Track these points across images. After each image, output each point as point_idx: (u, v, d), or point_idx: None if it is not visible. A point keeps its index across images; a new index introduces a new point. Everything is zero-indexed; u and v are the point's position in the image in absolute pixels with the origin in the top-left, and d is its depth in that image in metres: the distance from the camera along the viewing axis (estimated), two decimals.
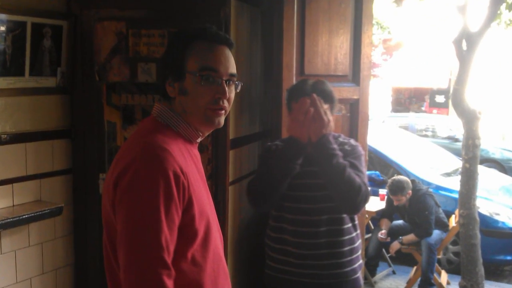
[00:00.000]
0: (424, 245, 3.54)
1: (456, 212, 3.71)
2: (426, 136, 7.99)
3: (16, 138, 1.94)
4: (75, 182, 2.14)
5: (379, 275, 3.93)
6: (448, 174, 4.68)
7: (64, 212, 2.05)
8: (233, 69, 1.11)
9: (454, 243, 4.04)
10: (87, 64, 2.07)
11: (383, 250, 3.93)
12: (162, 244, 0.96)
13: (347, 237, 1.75)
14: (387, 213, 3.87)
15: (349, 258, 1.75)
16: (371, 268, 3.83)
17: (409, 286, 3.65)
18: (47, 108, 2.06)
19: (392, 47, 11.86)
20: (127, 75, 2.06)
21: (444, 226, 3.69)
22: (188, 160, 1.07)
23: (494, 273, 4.15)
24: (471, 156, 3.49)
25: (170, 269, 0.97)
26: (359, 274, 1.81)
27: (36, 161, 2.01)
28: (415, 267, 3.74)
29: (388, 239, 3.75)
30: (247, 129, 2.35)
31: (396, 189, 3.64)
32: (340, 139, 1.80)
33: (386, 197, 3.91)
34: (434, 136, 8.11)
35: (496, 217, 4.05)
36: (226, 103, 1.10)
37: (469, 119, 3.50)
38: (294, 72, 2.28)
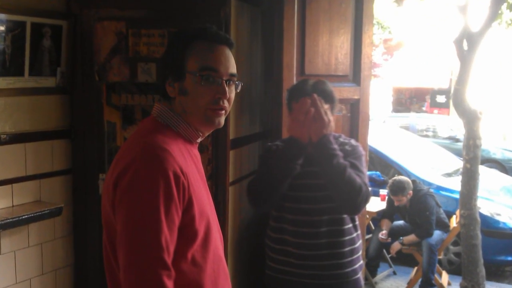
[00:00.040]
0: (425, 245, 3.54)
1: (457, 212, 3.70)
2: (427, 136, 7.98)
3: (16, 138, 1.94)
4: (75, 182, 2.14)
5: (380, 275, 3.93)
6: (449, 175, 4.67)
7: (63, 213, 2.05)
8: (233, 69, 1.11)
9: (455, 243, 4.03)
10: (87, 64, 2.07)
11: (384, 250, 3.93)
12: (162, 244, 0.96)
13: (347, 237, 1.75)
14: (388, 213, 3.86)
15: (349, 259, 1.75)
16: (371, 268, 3.83)
17: (409, 286, 3.64)
18: (46, 108, 2.06)
19: (393, 47, 11.86)
20: (127, 75, 2.06)
21: (445, 227, 3.68)
22: (188, 160, 1.07)
23: (495, 273, 4.14)
24: (472, 156, 3.49)
25: (170, 270, 0.97)
26: (360, 275, 1.81)
27: (35, 161, 2.01)
28: (415, 268, 3.74)
29: (389, 240, 3.74)
30: (247, 129, 2.35)
31: (397, 189, 3.64)
32: (341, 139, 1.80)
33: (386, 197, 3.90)
34: (435, 136, 8.10)
35: (497, 218, 4.04)
36: (226, 103, 1.10)
37: (470, 119, 3.49)
38: (295, 72, 2.28)
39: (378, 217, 3.91)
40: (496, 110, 9.54)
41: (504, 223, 4.03)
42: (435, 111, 11.88)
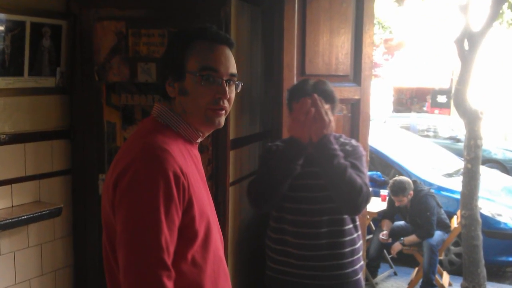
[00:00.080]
0: (426, 246, 3.53)
1: (458, 213, 3.70)
2: (427, 136, 7.97)
3: (15, 138, 1.93)
4: (75, 182, 2.13)
5: (381, 276, 3.92)
6: (450, 175, 4.66)
7: (63, 213, 2.05)
8: (233, 69, 1.11)
9: (456, 244, 4.03)
10: (87, 64, 2.06)
11: (385, 251, 3.92)
12: (162, 245, 0.96)
13: (348, 238, 1.75)
14: (389, 214, 3.85)
15: (350, 259, 1.75)
16: (372, 269, 3.82)
17: (410, 287, 3.64)
18: (46, 108, 2.05)
19: (394, 47, 11.85)
20: (126, 75, 2.06)
21: (446, 227, 3.67)
22: (188, 161, 1.07)
23: (496, 274, 4.13)
24: (473, 157, 3.48)
25: (170, 270, 0.97)
26: (361, 275, 1.80)
27: (35, 162, 2.01)
28: (416, 268, 3.73)
29: (390, 240, 3.73)
30: (248, 129, 2.34)
31: (398, 189, 3.63)
32: (341, 140, 1.79)
33: (387, 198, 3.90)
34: (435, 136, 8.10)
35: (498, 218, 4.03)
36: (226, 103, 1.09)
37: (471, 119, 3.49)
38: (295, 72, 2.27)
39: (379, 217, 3.90)
40: (497, 110, 9.53)
41: (505, 224, 4.02)
42: (436, 111, 11.87)
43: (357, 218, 1.80)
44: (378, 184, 4.30)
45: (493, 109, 8.94)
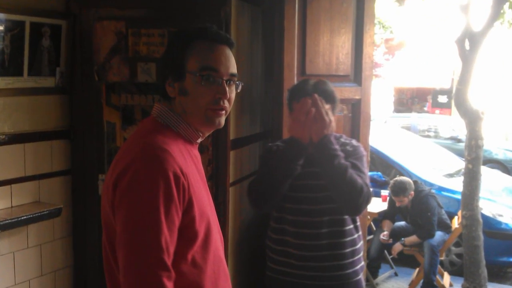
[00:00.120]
0: (427, 246, 3.52)
1: (459, 213, 3.69)
2: (428, 136, 7.96)
3: (15, 138, 1.93)
4: (74, 183, 2.13)
5: (381, 277, 3.91)
6: (450, 175, 4.65)
7: (63, 213, 2.04)
8: (233, 69, 1.10)
9: (457, 244, 4.02)
10: (86, 64, 2.06)
11: (385, 251, 3.91)
12: (162, 245, 0.95)
13: (348, 238, 1.74)
14: (389, 214, 3.85)
15: (350, 260, 1.74)
16: (373, 269, 3.81)
17: None
18: (46, 108, 2.05)
19: (394, 47, 11.84)
20: (126, 75, 2.05)
21: (446, 228, 3.67)
22: (188, 161, 1.06)
23: (497, 275, 4.12)
24: (474, 157, 3.47)
25: (170, 271, 0.96)
26: (361, 276, 1.80)
27: (34, 162, 2.00)
28: (417, 269, 3.72)
29: (390, 241, 3.72)
30: (248, 129, 2.34)
31: (398, 190, 3.62)
32: (342, 140, 1.79)
33: (388, 198, 3.89)
34: (436, 136, 8.08)
35: (499, 219, 4.02)
36: (226, 103, 1.09)
37: (472, 119, 3.48)
38: (295, 72, 2.27)
39: (380, 218, 3.89)
40: (498, 110, 9.52)
41: (506, 224, 4.01)
42: (437, 111, 11.86)
43: (358, 219, 1.80)
44: (379, 185, 4.29)
45: (494, 109, 8.93)
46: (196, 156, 1.14)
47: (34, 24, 1.92)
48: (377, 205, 3.89)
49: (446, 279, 3.68)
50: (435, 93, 12.32)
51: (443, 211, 3.73)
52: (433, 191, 3.77)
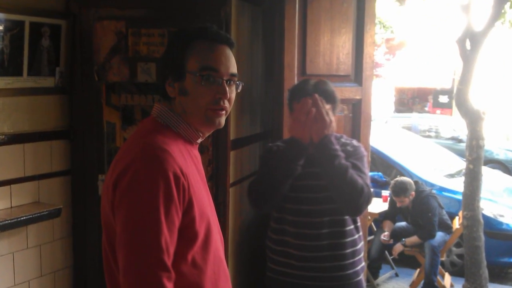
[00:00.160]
0: (427, 247, 3.51)
1: (460, 213, 3.68)
2: (429, 136, 7.95)
3: (14, 138, 1.93)
4: (74, 183, 2.13)
5: (382, 277, 3.90)
6: (451, 175, 4.65)
7: (62, 214, 2.04)
8: (234, 69, 1.10)
9: (458, 245, 4.01)
10: (86, 64, 2.06)
11: (386, 252, 3.90)
12: (162, 246, 0.95)
13: (349, 239, 1.74)
14: (390, 214, 3.84)
15: (351, 260, 1.74)
16: (373, 270, 3.80)
17: None
18: (45, 108, 2.05)
19: (395, 47, 11.83)
20: (126, 75, 2.05)
21: (447, 228, 3.66)
22: (188, 161, 1.06)
23: (498, 275, 4.11)
24: (475, 157, 3.47)
25: (170, 272, 0.96)
26: (362, 277, 1.79)
27: (34, 162, 2.00)
28: (418, 270, 3.72)
29: (391, 241, 3.72)
30: (248, 129, 2.33)
31: (399, 190, 3.61)
32: (342, 140, 1.79)
33: (389, 198, 3.88)
34: (437, 136, 8.07)
35: (500, 219, 4.01)
36: (226, 103, 1.09)
37: (473, 119, 3.47)
38: (296, 72, 2.26)
39: (380, 218, 3.88)
40: (499, 110, 9.50)
41: (507, 225, 4.00)
42: (438, 111, 11.85)
43: (358, 219, 1.80)
44: (380, 185, 4.29)
45: (495, 109, 8.91)
46: (196, 156, 1.14)
47: (33, 24, 1.91)
48: (377, 206, 3.89)
49: (447, 279, 3.67)
50: (436, 93, 12.31)
51: (444, 212, 3.72)
52: (434, 191, 3.77)
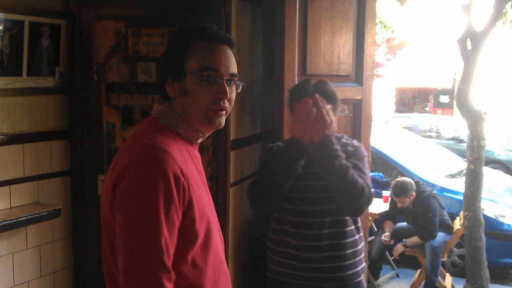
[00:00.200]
0: (428, 247, 3.51)
1: (461, 214, 3.67)
2: (430, 137, 7.95)
3: (14, 139, 1.92)
4: (74, 183, 2.12)
5: (383, 278, 3.90)
6: (452, 176, 4.64)
7: (62, 214, 2.03)
8: (234, 69, 1.10)
9: (459, 245, 4.00)
10: (86, 63, 2.05)
11: (387, 252, 3.90)
12: (162, 246, 0.95)
13: (350, 239, 1.73)
14: (391, 215, 3.83)
15: (352, 261, 1.73)
16: (374, 271, 3.80)
17: None
18: (45, 108, 2.04)
19: (396, 47, 11.82)
20: (126, 75, 2.04)
21: (448, 229, 3.65)
22: (188, 161, 1.06)
23: (499, 276, 4.10)
24: (476, 157, 3.46)
25: (170, 272, 0.96)
26: (362, 277, 1.79)
27: (34, 162, 2.00)
28: (419, 270, 3.71)
29: (392, 242, 3.71)
30: (248, 129, 2.33)
31: (400, 190, 3.61)
32: (343, 140, 1.78)
33: (389, 199, 3.87)
34: (438, 137, 8.07)
35: (502, 219, 4.00)
36: (227, 104, 1.09)
37: (474, 119, 3.47)
38: (296, 72, 2.25)
39: (381, 218, 3.88)
40: (501, 110, 9.49)
41: (508, 225, 3.99)
42: (439, 111, 11.84)
43: (359, 220, 1.79)
44: (380, 185, 4.28)
45: (496, 110, 8.90)
46: (196, 157, 1.13)
47: (33, 23, 1.91)
48: (378, 206, 3.88)
49: (448, 280, 3.66)
50: (437, 93, 12.29)
51: (445, 212, 3.71)
52: (434, 191, 3.76)
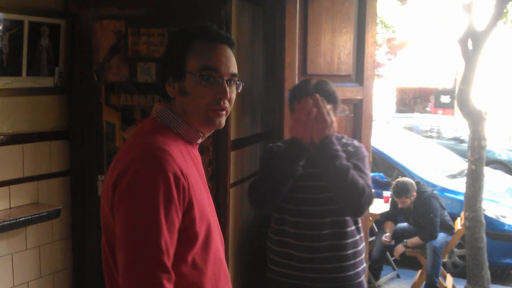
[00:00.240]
0: (429, 248, 3.50)
1: (462, 214, 3.67)
2: (431, 137, 7.94)
3: (13, 139, 1.92)
4: (73, 184, 2.12)
5: (383, 278, 3.89)
6: (453, 176, 4.63)
7: (62, 215, 2.03)
8: (234, 68, 1.10)
9: (460, 246, 3.99)
10: (86, 63, 2.05)
11: (387, 253, 3.89)
12: (162, 247, 0.94)
13: (350, 240, 1.73)
14: (391, 215, 3.83)
15: (352, 262, 1.73)
16: (375, 271, 3.79)
17: None
18: (44, 108, 2.04)
19: (397, 46, 11.81)
20: (126, 75, 2.04)
21: (449, 229, 3.64)
22: (188, 162, 1.06)
23: (500, 276, 4.10)
24: (477, 158, 3.45)
25: (170, 273, 0.96)
26: (363, 278, 1.79)
27: (33, 163, 1.99)
28: (419, 271, 3.70)
29: (392, 242, 3.70)
30: (249, 130, 2.32)
31: (401, 191, 3.60)
32: (344, 140, 1.78)
33: (390, 199, 3.87)
34: (439, 137, 8.06)
35: (503, 220, 4.00)
36: (227, 104, 1.08)
37: (475, 119, 3.46)
38: (297, 72, 2.25)
39: (382, 219, 3.87)
40: (502, 110, 9.48)
41: (509, 226, 3.98)
42: (439, 111, 11.83)
43: (360, 220, 1.79)
44: (381, 186, 4.28)
45: (497, 110, 8.89)
46: (197, 157, 1.13)
47: (32, 23, 1.90)
48: (379, 206, 3.88)
49: (449, 281, 3.66)
50: (438, 93, 12.28)
51: (446, 212, 3.71)
52: (435, 192, 3.75)
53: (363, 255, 1.79)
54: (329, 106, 1.68)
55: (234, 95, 1.10)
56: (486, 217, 3.57)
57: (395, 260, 3.96)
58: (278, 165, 1.70)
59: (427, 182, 4.11)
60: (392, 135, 5.67)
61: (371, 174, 2.08)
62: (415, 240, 3.60)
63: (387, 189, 4.05)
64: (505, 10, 3.79)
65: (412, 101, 13.32)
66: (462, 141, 7.33)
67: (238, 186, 2.18)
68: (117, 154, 1.07)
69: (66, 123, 2.10)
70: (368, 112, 2.40)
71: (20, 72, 1.91)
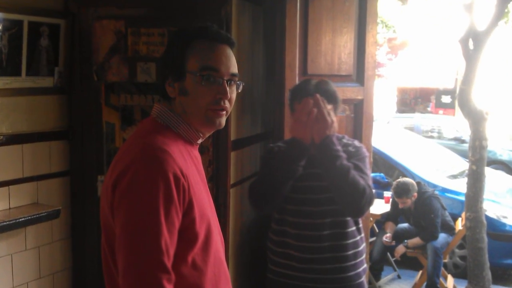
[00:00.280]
0: (430, 248, 3.49)
1: (463, 215, 3.66)
2: (432, 137, 7.93)
3: (13, 139, 1.92)
4: (73, 184, 2.12)
5: (384, 279, 3.89)
6: (454, 176, 4.63)
7: (61, 215, 2.03)
8: (234, 68, 1.09)
9: (461, 246, 3.99)
10: (85, 63, 2.04)
11: (388, 254, 3.89)
12: (161, 247, 0.94)
13: (351, 240, 1.73)
14: (392, 216, 3.82)
15: (353, 262, 1.72)
16: (375, 272, 3.78)
17: None
18: (44, 108, 2.03)
19: (397, 46, 11.81)
20: (126, 75, 2.03)
21: (450, 230, 3.64)
22: (188, 162, 1.05)
23: (501, 277, 4.09)
24: (478, 158, 3.45)
25: (170, 273, 0.95)
26: (363, 279, 1.78)
27: (33, 163, 1.99)
28: (420, 271, 3.69)
29: (393, 243, 3.70)
30: (249, 130, 2.32)
31: (401, 191, 3.59)
32: (344, 141, 1.77)
33: (391, 199, 3.86)
34: (440, 137, 8.05)
35: (504, 220, 3.99)
36: (227, 104, 1.08)
37: (476, 119, 3.45)
38: (297, 72, 2.24)
39: (382, 219, 3.87)
40: (503, 110, 9.47)
41: (510, 226, 3.97)
42: (440, 111, 11.82)
43: (360, 220, 1.79)
44: (382, 186, 4.27)
45: (499, 110, 8.88)
46: (197, 157, 1.13)
47: (32, 23, 1.90)
48: (379, 207, 3.87)
49: (450, 281, 3.65)
50: (439, 93, 12.27)
51: (447, 213, 3.70)
52: (436, 192, 3.74)
53: (364, 256, 1.79)
54: (329, 106, 1.68)
55: (234, 95, 1.10)
56: (487, 217, 3.56)
57: (395, 261, 3.95)
58: (278, 165, 1.70)
59: (428, 183, 4.11)
60: (393, 135, 5.66)
61: (372, 175, 2.07)
62: (416, 240, 3.59)
63: (387, 190, 4.05)
64: (506, 10, 3.79)
65: (413, 101, 13.31)
66: (463, 141, 7.32)
67: (238, 186, 2.18)
68: (117, 154, 1.07)
69: (65, 123, 2.10)
70: (368, 112, 2.40)
71: (20, 72, 1.91)
